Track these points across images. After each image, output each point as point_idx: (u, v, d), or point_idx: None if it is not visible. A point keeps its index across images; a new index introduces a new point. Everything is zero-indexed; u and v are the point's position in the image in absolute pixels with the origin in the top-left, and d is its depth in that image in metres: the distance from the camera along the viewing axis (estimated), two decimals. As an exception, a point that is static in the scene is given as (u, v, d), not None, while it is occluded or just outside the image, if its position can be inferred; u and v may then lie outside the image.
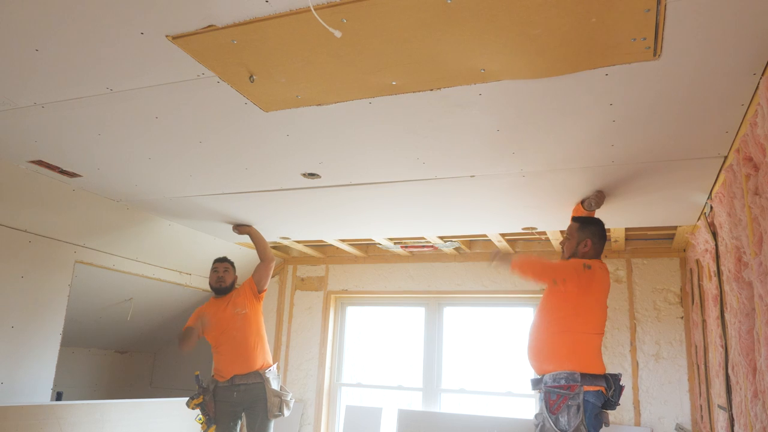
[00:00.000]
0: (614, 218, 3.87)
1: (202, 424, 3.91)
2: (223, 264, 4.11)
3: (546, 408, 2.84)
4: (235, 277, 4.17)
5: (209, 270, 4.16)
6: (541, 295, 3.18)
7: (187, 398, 3.92)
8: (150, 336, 5.92)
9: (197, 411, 3.96)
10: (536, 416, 2.95)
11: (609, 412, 2.92)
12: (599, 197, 3.32)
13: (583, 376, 2.80)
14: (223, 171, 3.28)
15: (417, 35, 1.88)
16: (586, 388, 2.77)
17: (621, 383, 2.90)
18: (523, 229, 4.28)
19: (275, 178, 3.37)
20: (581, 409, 2.73)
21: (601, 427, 2.82)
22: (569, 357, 2.89)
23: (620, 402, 3.15)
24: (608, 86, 2.15)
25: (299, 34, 1.90)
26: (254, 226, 4.45)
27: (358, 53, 2.00)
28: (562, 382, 2.83)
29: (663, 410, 4.43)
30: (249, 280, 4.11)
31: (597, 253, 3.09)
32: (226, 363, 3.91)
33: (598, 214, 3.68)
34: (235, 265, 4.21)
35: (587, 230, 3.11)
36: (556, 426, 2.77)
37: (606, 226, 3.98)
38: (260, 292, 4.08)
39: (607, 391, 2.81)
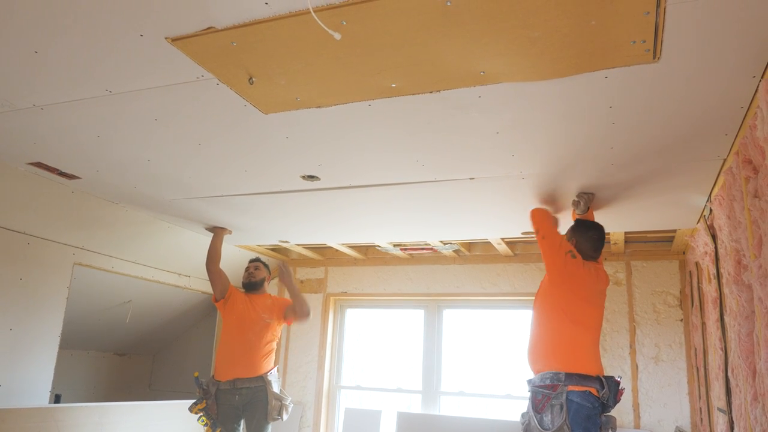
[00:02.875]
0: (614, 222, 3.87)
1: (207, 428, 3.90)
2: (254, 263, 4.25)
3: (532, 407, 2.87)
4: (268, 277, 4.27)
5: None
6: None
7: (191, 403, 3.92)
8: (149, 338, 5.91)
9: (199, 414, 3.96)
10: (522, 415, 2.98)
11: (615, 417, 2.91)
12: (588, 198, 3.31)
13: (569, 375, 2.79)
14: (222, 173, 3.28)
15: (416, 37, 1.88)
16: (571, 387, 2.76)
17: (621, 386, 2.89)
18: (522, 233, 4.28)
19: (274, 181, 3.36)
20: (564, 408, 2.73)
21: (598, 430, 2.79)
22: (556, 357, 2.91)
23: (617, 404, 3.14)
24: (608, 89, 2.15)
25: (299, 36, 1.90)
26: (255, 230, 4.46)
27: (357, 55, 2.00)
28: (547, 381, 2.86)
29: (662, 413, 4.43)
30: (284, 303, 4.16)
31: (582, 254, 3.10)
32: (230, 362, 3.90)
33: (599, 218, 3.69)
34: (233, 266, 4.22)
35: (575, 231, 3.18)
36: (540, 425, 2.79)
37: (606, 230, 3.99)
38: (285, 319, 4.13)
39: (598, 393, 2.78)
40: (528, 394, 2.98)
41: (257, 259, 4.30)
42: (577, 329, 2.92)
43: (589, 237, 3.14)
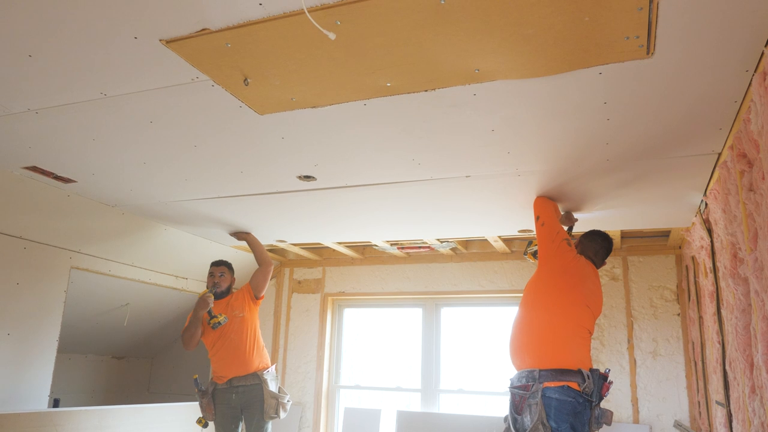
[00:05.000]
0: (610, 221, 3.88)
1: (201, 426, 3.95)
2: (219, 268, 4.10)
3: (512, 409, 2.83)
4: (233, 280, 4.16)
5: (206, 274, 4.15)
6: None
7: (190, 406, 3.93)
8: (147, 341, 5.90)
9: (198, 413, 3.99)
10: (504, 418, 2.93)
11: (611, 411, 2.87)
12: (568, 218, 3.56)
13: (543, 372, 2.75)
14: (218, 174, 3.27)
15: (411, 36, 1.89)
16: (546, 384, 2.71)
17: (609, 380, 2.84)
18: (519, 231, 4.29)
19: (271, 181, 3.36)
20: (540, 406, 2.69)
21: (587, 425, 2.74)
22: (531, 352, 2.88)
23: (609, 397, 3.13)
24: (602, 85, 2.16)
25: (293, 36, 1.90)
26: (251, 230, 4.45)
27: (352, 55, 2.00)
28: (523, 381, 2.82)
29: (661, 407, 4.45)
30: (246, 285, 4.12)
31: (584, 254, 3.21)
32: (223, 366, 3.92)
33: (596, 217, 3.72)
34: (233, 269, 4.20)
35: (584, 235, 3.35)
36: (520, 428, 2.73)
37: (603, 229, 4.04)
38: (257, 298, 4.09)
39: (579, 386, 2.71)
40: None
41: (221, 263, 4.12)
42: (556, 320, 2.88)
43: (595, 240, 3.27)
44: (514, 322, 3.10)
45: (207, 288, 4.04)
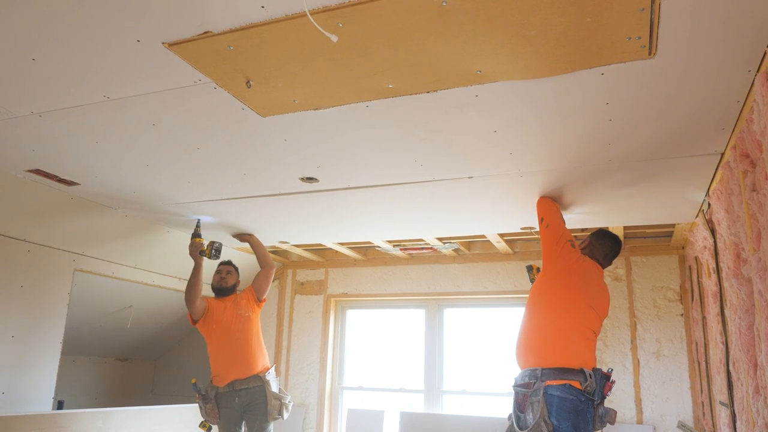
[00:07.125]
0: (613, 217, 3.87)
1: (204, 430, 3.94)
2: (226, 266, 4.17)
3: (515, 407, 2.85)
4: (238, 281, 4.20)
5: (208, 275, 4.17)
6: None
7: (195, 408, 3.94)
8: (150, 343, 5.92)
9: (200, 418, 3.98)
10: (508, 417, 2.96)
11: (614, 410, 2.88)
12: None
13: (546, 371, 2.77)
14: (221, 177, 3.28)
15: (413, 38, 1.89)
16: (549, 382, 2.74)
17: (611, 379, 2.86)
18: (522, 228, 4.29)
19: (273, 183, 3.37)
20: (542, 404, 2.71)
21: (591, 423, 2.76)
22: (534, 352, 2.91)
23: (611, 397, 3.13)
24: (604, 85, 2.16)
25: (295, 39, 1.91)
26: (253, 232, 4.46)
27: (354, 57, 2.01)
28: (526, 380, 2.85)
29: (665, 408, 4.44)
30: (249, 287, 4.15)
31: (591, 255, 3.18)
32: (225, 366, 3.91)
33: (598, 214, 3.71)
34: (238, 271, 4.23)
35: (593, 235, 3.31)
36: (522, 425, 2.76)
37: (605, 226, 4.02)
38: (260, 300, 4.11)
39: (581, 385, 2.73)
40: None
41: (229, 263, 4.22)
42: (559, 320, 2.90)
43: (605, 243, 3.24)
44: (520, 324, 3.12)
45: (212, 284, 4.11)
